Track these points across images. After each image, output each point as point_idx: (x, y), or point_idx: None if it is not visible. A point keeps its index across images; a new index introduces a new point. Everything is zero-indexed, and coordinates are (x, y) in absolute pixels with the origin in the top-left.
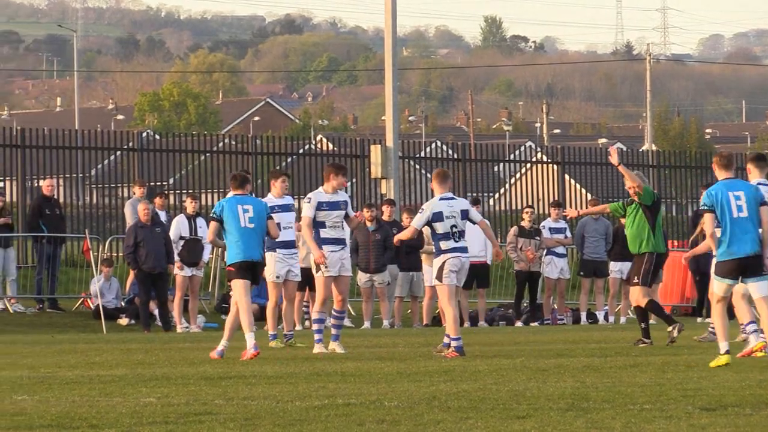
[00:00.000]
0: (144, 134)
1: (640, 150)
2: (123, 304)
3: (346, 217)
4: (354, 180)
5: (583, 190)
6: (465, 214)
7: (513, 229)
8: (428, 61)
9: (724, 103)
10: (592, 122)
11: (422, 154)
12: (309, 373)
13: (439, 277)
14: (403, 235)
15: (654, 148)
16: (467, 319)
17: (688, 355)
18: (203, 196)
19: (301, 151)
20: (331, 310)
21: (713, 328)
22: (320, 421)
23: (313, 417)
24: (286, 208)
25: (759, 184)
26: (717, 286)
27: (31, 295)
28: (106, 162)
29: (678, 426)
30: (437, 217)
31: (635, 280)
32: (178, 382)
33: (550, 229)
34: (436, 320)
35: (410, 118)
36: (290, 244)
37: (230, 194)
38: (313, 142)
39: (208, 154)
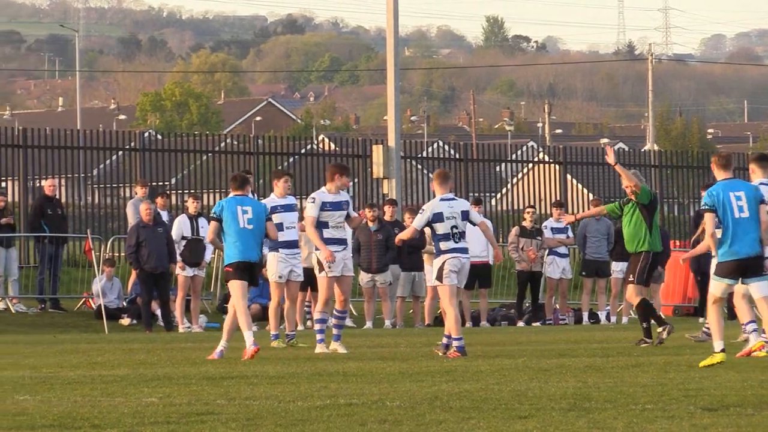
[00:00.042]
0: (146, 134)
1: (642, 150)
2: (125, 304)
3: (347, 217)
4: (356, 180)
5: (585, 190)
6: (465, 215)
7: (514, 229)
8: (430, 61)
9: (726, 103)
10: (594, 122)
11: (424, 154)
12: (311, 373)
13: (440, 278)
14: (404, 235)
15: (656, 148)
16: (469, 319)
17: (690, 355)
18: (205, 196)
19: (302, 151)
20: (332, 310)
21: (707, 328)
22: (322, 421)
23: (315, 417)
24: (288, 208)
25: (761, 183)
26: (715, 286)
27: (33, 295)
28: (108, 162)
29: (680, 426)
30: (437, 217)
31: (630, 278)
32: (180, 382)
33: (551, 229)
34: (438, 320)
35: (412, 118)
36: (293, 244)
37: (230, 195)
38: (315, 142)
39: (209, 154)
